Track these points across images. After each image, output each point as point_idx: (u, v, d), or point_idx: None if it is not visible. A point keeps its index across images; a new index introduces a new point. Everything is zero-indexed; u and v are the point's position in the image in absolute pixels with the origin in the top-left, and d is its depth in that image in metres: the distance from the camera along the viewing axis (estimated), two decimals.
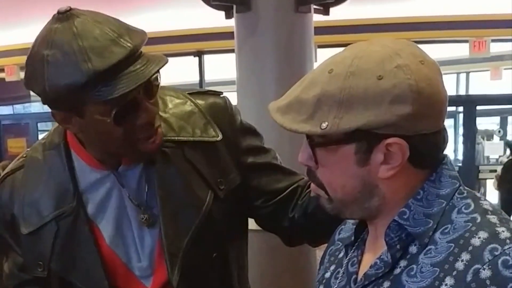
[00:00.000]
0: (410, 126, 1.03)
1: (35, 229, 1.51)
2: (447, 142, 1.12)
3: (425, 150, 1.07)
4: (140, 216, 1.51)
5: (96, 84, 1.28)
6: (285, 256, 3.41)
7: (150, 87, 1.37)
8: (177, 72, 9.16)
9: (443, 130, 1.10)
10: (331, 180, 1.11)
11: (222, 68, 8.51)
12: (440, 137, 1.09)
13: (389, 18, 8.37)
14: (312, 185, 1.16)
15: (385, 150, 1.05)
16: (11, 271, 1.60)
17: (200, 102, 1.59)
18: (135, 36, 1.34)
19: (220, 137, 1.55)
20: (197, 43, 9.25)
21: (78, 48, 1.27)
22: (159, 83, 1.40)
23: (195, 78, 9.85)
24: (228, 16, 3.58)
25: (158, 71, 1.34)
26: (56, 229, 1.50)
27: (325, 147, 1.09)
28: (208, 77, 10.12)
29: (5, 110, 13.16)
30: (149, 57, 1.34)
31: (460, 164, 10.47)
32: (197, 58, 9.81)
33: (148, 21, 8.65)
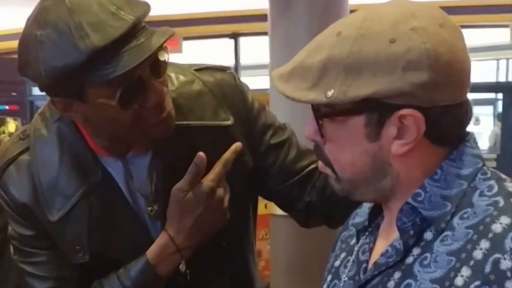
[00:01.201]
0: (427, 96, 0.91)
1: (65, 213, 1.35)
2: (471, 117, 1.00)
3: (444, 124, 0.95)
4: (147, 207, 1.39)
5: (96, 62, 1.15)
6: (313, 242, 3.30)
7: (158, 63, 1.24)
8: (212, 54, 9.13)
9: (466, 103, 0.97)
10: (339, 156, 1.00)
11: (258, 51, 8.41)
12: (462, 111, 0.97)
13: (426, 1, 8.12)
14: (319, 162, 1.05)
15: (399, 123, 0.93)
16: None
17: (208, 79, 1.45)
18: (137, 8, 1.20)
19: (231, 120, 1.43)
20: (232, 25, 9.13)
21: (74, 24, 1.15)
22: (167, 59, 1.27)
23: (231, 62, 9.74)
24: None
25: (164, 43, 1.20)
26: (88, 207, 1.35)
27: (332, 119, 0.97)
28: (243, 61, 10.00)
29: (38, 91, 13.19)
30: (153, 30, 1.22)
31: (499, 152, 10.18)
32: (232, 41, 9.71)
33: (184, 2, 8.63)
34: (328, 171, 1.04)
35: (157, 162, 1.37)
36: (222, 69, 1.50)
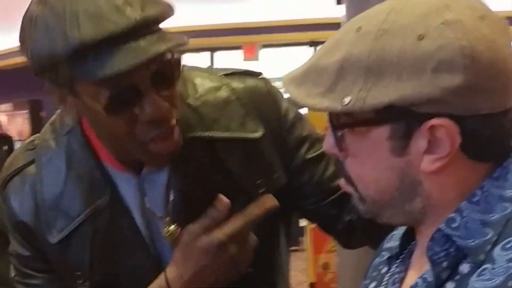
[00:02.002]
0: (462, 103, 0.77)
1: (66, 235, 1.23)
2: None
3: (484, 136, 0.80)
4: (163, 229, 1.25)
5: (83, 57, 1.02)
6: None
7: (161, 74, 1.08)
8: (290, 62, 9.03)
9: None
10: (361, 173, 0.86)
11: None
12: (506, 120, 0.81)
13: None
14: (341, 180, 0.92)
15: (429, 135, 0.79)
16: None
17: (237, 86, 1.30)
18: (151, 7, 1.06)
19: (260, 133, 1.27)
20: (311, 33, 9.00)
21: (70, 10, 1.03)
22: (178, 69, 1.12)
23: None
24: (339, 1, 3.40)
25: (167, 50, 1.06)
26: (92, 231, 1.23)
27: (352, 130, 0.84)
28: None
29: None
30: (164, 36, 1.07)
31: None
32: (312, 49, 9.57)
33: (262, 8, 8.59)
34: (350, 189, 0.90)
35: (175, 179, 1.24)
36: (254, 74, 1.35)
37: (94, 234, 1.23)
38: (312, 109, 0.84)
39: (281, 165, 1.30)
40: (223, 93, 1.28)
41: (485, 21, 0.78)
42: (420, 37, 0.77)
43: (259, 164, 1.28)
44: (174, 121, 1.13)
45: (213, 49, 9.67)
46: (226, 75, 1.32)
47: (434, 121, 0.77)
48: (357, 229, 1.32)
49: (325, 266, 4.69)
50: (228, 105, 1.27)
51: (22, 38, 1.10)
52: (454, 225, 0.80)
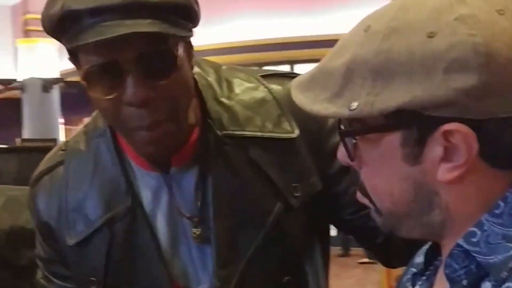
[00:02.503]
0: (478, 106, 0.70)
1: (83, 238, 1.23)
2: None
3: (506, 142, 0.72)
4: (191, 230, 1.23)
5: (69, 24, 1.04)
6: None
7: (152, 59, 1.05)
8: None
9: None
10: (375, 184, 0.81)
11: None
12: None
13: None
14: (358, 192, 0.86)
15: (444, 141, 0.72)
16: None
17: (275, 87, 1.26)
18: None
19: (296, 133, 1.22)
20: None
21: None
22: (173, 62, 1.08)
23: None
24: None
25: (153, 33, 1.03)
26: (110, 236, 1.21)
27: (363, 137, 0.78)
28: None
29: None
30: (169, 23, 1.05)
31: None
32: None
33: (342, 21, 8.52)
34: (366, 201, 0.84)
35: (205, 178, 1.21)
36: (292, 76, 1.29)
37: (111, 240, 1.22)
38: (319, 115, 0.79)
39: (317, 170, 1.25)
40: (260, 93, 1.25)
41: (505, 14, 0.71)
42: (431, 35, 0.71)
43: (294, 167, 1.23)
44: (163, 115, 1.09)
45: (292, 62, 9.66)
46: (264, 76, 1.29)
47: (448, 126, 0.71)
48: (396, 245, 1.25)
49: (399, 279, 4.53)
50: (264, 105, 1.24)
51: None
52: (474, 239, 0.73)
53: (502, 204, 0.73)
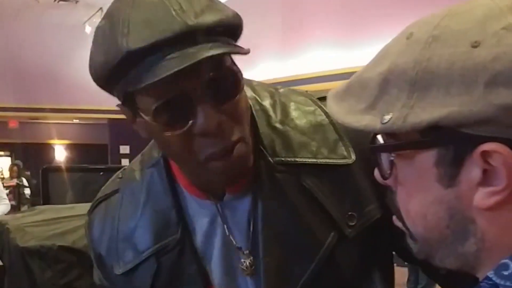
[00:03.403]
0: None
1: (131, 268, 1.20)
2: None
3: None
4: (240, 262, 1.16)
5: (131, 65, 0.97)
6: None
7: (219, 83, 0.99)
8: None
9: None
10: (408, 206, 0.74)
11: None
12: None
13: None
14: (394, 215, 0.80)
15: (483, 162, 0.65)
16: None
17: None
18: (209, 13, 0.98)
19: (353, 158, 1.15)
20: None
21: (123, 18, 0.98)
22: (239, 80, 1.03)
23: None
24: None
25: (221, 55, 0.97)
26: (156, 268, 1.18)
27: (398, 154, 0.72)
28: None
29: None
30: (225, 43, 0.99)
31: None
32: None
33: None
34: (400, 224, 0.78)
35: (256, 206, 1.14)
36: None
37: (157, 272, 1.18)
38: (352, 127, 0.73)
39: (375, 197, 1.17)
40: (316, 118, 1.19)
41: None
42: (475, 45, 0.65)
43: (350, 194, 1.16)
44: (235, 137, 1.03)
45: None
46: (321, 98, 1.23)
47: (487, 146, 0.64)
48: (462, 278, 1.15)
49: None
50: (320, 129, 1.18)
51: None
52: (506, 273, 0.66)
53: None
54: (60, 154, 15.92)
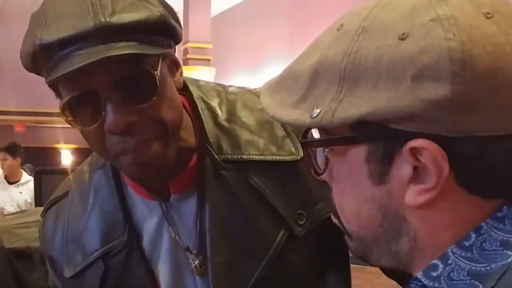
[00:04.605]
0: (449, 121, 0.60)
1: (80, 270, 1.19)
2: None
3: (486, 166, 0.62)
4: (189, 263, 1.15)
5: (44, 58, 0.98)
6: None
7: (132, 82, 0.97)
8: None
9: None
10: (342, 203, 0.72)
11: None
12: None
13: None
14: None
15: (413, 159, 0.63)
16: None
17: None
18: (132, 11, 0.96)
19: (301, 155, 1.12)
20: None
21: (44, 12, 0.99)
22: (154, 82, 0.99)
23: None
24: None
25: (126, 56, 0.95)
26: (103, 270, 1.16)
27: (331, 149, 0.70)
28: None
29: None
30: (148, 44, 0.97)
31: None
32: None
33: None
34: (337, 222, 0.75)
35: (203, 205, 1.13)
36: None
37: (105, 274, 1.17)
38: (281, 121, 0.71)
39: (325, 195, 1.15)
40: (264, 115, 1.14)
41: (492, 18, 0.62)
42: (403, 37, 0.62)
43: (299, 192, 1.13)
44: (149, 136, 1.01)
45: None
46: None
47: (415, 143, 0.62)
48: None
49: None
50: (268, 126, 1.16)
51: None
52: (434, 274, 0.64)
53: (473, 235, 0.63)
54: (67, 158, 15.88)
